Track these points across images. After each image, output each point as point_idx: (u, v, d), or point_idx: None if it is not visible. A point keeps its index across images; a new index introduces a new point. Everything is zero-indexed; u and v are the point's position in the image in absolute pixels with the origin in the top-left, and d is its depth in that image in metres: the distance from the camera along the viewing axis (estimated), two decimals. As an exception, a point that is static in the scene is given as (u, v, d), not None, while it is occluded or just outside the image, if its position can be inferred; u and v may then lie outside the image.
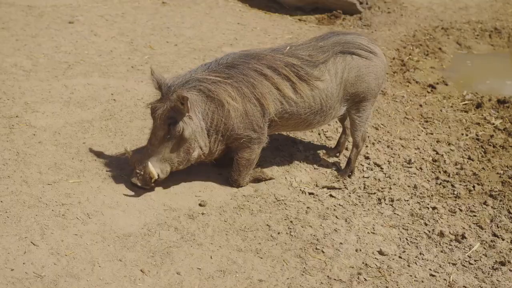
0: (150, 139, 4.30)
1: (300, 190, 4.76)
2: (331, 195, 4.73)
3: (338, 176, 5.03)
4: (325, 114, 4.77)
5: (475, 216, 4.60)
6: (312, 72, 4.57)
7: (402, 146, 5.58)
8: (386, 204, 4.68)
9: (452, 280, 3.86)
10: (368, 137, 5.67)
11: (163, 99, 4.28)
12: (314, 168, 5.10)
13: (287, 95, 4.50)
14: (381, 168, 5.18)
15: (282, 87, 4.48)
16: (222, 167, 4.84)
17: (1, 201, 4.15)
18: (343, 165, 5.17)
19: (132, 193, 4.39)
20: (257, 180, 4.77)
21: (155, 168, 4.22)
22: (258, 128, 4.52)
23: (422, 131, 5.93)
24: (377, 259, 4.02)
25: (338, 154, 5.33)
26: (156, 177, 4.23)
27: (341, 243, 4.13)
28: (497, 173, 5.24)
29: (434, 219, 4.51)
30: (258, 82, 4.43)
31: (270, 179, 4.82)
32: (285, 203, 4.54)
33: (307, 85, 4.55)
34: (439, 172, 5.20)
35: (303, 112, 4.64)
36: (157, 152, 4.25)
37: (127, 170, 4.66)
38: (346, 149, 5.41)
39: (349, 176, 5.06)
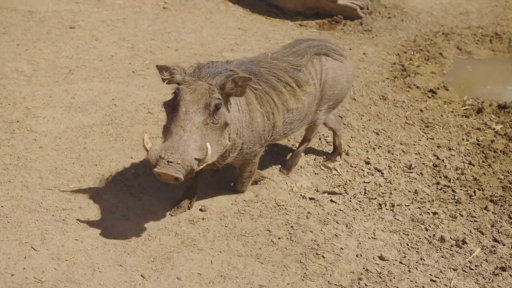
0: (183, 125, 3.54)
1: (301, 195, 4.76)
2: (331, 200, 4.73)
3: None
4: (306, 119, 4.67)
5: (475, 221, 4.59)
6: (302, 77, 4.46)
7: (403, 151, 5.58)
8: (386, 209, 4.67)
9: (453, 285, 3.85)
10: (369, 142, 5.67)
11: (200, 80, 3.74)
12: (315, 173, 5.10)
13: (290, 104, 4.34)
14: (382, 173, 5.18)
15: (287, 96, 4.31)
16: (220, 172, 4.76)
17: (2, 206, 4.15)
18: (343, 170, 5.17)
19: (132, 199, 4.39)
20: (255, 182, 4.75)
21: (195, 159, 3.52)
22: (264, 142, 4.36)
23: (423, 136, 5.93)
24: (378, 264, 4.01)
25: (339, 158, 5.32)
26: (199, 166, 3.55)
27: (341, 248, 4.13)
28: (498, 178, 5.24)
29: (434, 224, 4.50)
30: (272, 90, 4.23)
31: (265, 178, 4.82)
32: (285, 208, 4.54)
33: (302, 90, 4.44)
34: (440, 177, 5.20)
35: (294, 120, 4.51)
36: (194, 140, 3.54)
37: (127, 174, 4.66)
38: (347, 154, 5.41)
39: (340, 156, 5.32)
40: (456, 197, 4.89)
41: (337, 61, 4.78)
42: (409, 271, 3.97)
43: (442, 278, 3.92)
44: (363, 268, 3.96)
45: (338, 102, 4.95)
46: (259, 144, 4.28)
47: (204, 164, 3.55)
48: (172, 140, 3.50)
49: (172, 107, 3.68)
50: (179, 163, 3.40)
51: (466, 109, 6.65)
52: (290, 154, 5.28)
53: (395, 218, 4.56)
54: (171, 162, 3.40)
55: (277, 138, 4.54)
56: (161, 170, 3.39)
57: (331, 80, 4.70)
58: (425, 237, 4.35)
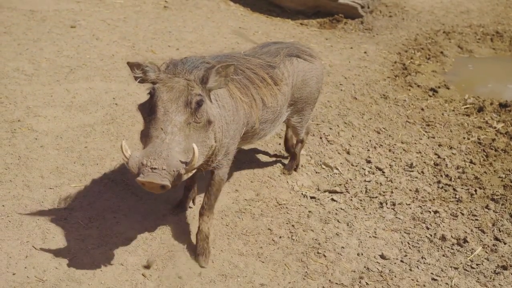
0: (163, 127, 3.18)
1: (302, 194, 4.76)
2: (332, 199, 4.73)
3: (284, 171, 5.03)
4: (277, 122, 4.46)
5: (477, 220, 4.59)
6: (277, 75, 4.24)
7: (404, 150, 5.58)
8: (387, 208, 4.67)
9: (454, 284, 3.85)
10: (370, 141, 5.67)
11: (177, 76, 3.40)
12: (316, 172, 5.10)
13: (268, 100, 4.13)
14: (383, 172, 5.18)
15: (264, 91, 4.08)
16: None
17: (3, 205, 4.15)
18: (344, 169, 5.17)
19: (134, 198, 4.39)
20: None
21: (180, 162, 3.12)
22: (238, 139, 3.98)
23: (424, 135, 5.93)
24: (379, 263, 4.01)
25: (292, 149, 5.16)
26: (187, 171, 3.16)
27: (342, 247, 4.13)
28: (499, 177, 5.24)
29: (436, 223, 4.50)
30: (250, 84, 4.00)
31: None
32: (286, 207, 4.54)
33: (277, 89, 4.22)
34: (441, 176, 5.20)
35: (268, 120, 4.28)
36: (178, 142, 3.16)
37: (129, 174, 4.66)
38: (348, 153, 5.41)
39: (295, 170, 5.06)
40: (457, 196, 4.89)
41: (308, 62, 4.59)
42: (410, 270, 3.97)
43: (443, 277, 3.92)
44: (364, 267, 3.96)
45: (307, 104, 4.69)
46: (235, 139, 3.91)
47: (193, 168, 3.16)
48: (153, 144, 3.11)
49: (149, 109, 3.31)
50: (164, 169, 3.02)
51: (467, 107, 6.65)
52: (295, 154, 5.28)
53: (396, 217, 4.56)
54: (155, 168, 3.02)
55: (247, 139, 4.24)
56: (145, 179, 3.01)
57: (301, 83, 4.51)
58: (426, 236, 4.35)
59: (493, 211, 4.72)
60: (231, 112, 3.75)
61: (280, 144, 5.44)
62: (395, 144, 5.66)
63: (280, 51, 4.42)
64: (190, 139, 3.24)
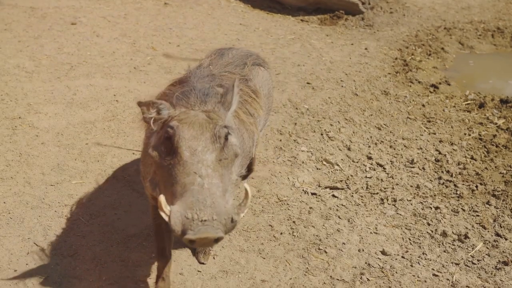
0: (196, 170, 2.66)
1: (303, 190, 4.76)
2: (333, 195, 4.73)
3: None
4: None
5: (478, 216, 4.59)
6: (254, 88, 3.93)
7: (405, 146, 5.58)
8: (388, 204, 4.67)
9: (455, 280, 3.85)
10: (371, 137, 5.67)
11: (193, 109, 2.97)
12: (317, 168, 5.10)
13: (260, 114, 3.86)
14: (384, 168, 5.17)
15: (254, 105, 3.77)
16: None
17: (4, 202, 4.16)
18: (345, 165, 5.17)
19: (134, 194, 4.40)
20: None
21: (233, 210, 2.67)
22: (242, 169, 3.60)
23: (425, 131, 5.92)
24: (380, 259, 4.02)
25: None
26: (241, 214, 2.76)
27: (343, 243, 4.13)
28: (500, 173, 5.23)
29: (437, 219, 4.50)
30: (243, 100, 3.66)
31: None
32: (287, 204, 4.54)
33: (260, 102, 3.91)
34: (442, 172, 5.19)
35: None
36: (217, 186, 2.67)
37: (129, 170, 4.67)
38: (349, 149, 5.41)
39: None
40: (458, 192, 4.89)
41: (266, 71, 4.35)
42: (411, 265, 3.97)
43: (444, 272, 3.92)
44: (365, 263, 3.97)
45: (268, 115, 4.43)
46: (244, 167, 3.60)
47: (246, 210, 2.78)
48: (192, 193, 2.59)
49: (167, 152, 2.80)
50: (215, 219, 2.56)
51: (468, 103, 6.64)
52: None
53: (397, 213, 4.56)
54: (205, 221, 2.54)
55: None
56: (197, 235, 2.51)
57: (267, 93, 4.27)
58: (427, 232, 4.35)
59: (494, 207, 4.72)
60: (240, 138, 3.36)
61: (281, 140, 5.44)
62: (396, 140, 5.66)
63: (246, 61, 4.08)
64: (224, 179, 2.78)
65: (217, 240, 2.56)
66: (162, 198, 2.62)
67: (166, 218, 2.58)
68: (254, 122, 3.71)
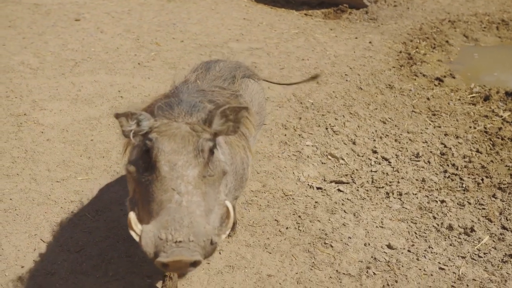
0: (175, 187, 2.41)
1: (308, 184, 4.75)
2: (339, 190, 4.73)
3: None
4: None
5: (484, 209, 4.58)
6: (247, 103, 3.67)
7: (410, 139, 5.57)
8: (394, 198, 4.67)
9: (462, 273, 3.85)
10: (376, 131, 5.66)
11: (175, 121, 2.68)
12: (322, 163, 5.09)
13: (253, 134, 3.62)
14: (389, 162, 5.17)
15: (247, 125, 3.49)
16: None
17: (11, 199, 4.17)
18: (350, 159, 5.17)
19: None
20: None
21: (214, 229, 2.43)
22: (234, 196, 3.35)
23: (430, 124, 5.91)
24: (386, 253, 4.01)
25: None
26: (221, 236, 2.46)
27: (349, 238, 4.13)
28: (506, 166, 5.22)
29: (442, 213, 4.49)
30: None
31: None
32: (293, 198, 4.54)
33: (252, 120, 3.61)
34: (447, 165, 5.18)
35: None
36: (197, 204, 2.40)
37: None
38: (354, 143, 5.40)
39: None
40: (464, 185, 4.88)
41: (257, 83, 4.08)
42: (417, 259, 3.96)
43: (451, 266, 3.92)
44: (371, 257, 3.96)
45: (260, 129, 4.20)
46: (240, 190, 3.37)
47: (227, 231, 2.51)
48: (167, 211, 2.33)
49: (145, 167, 2.55)
50: (192, 240, 2.29)
51: (473, 96, 6.62)
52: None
53: (403, 207, 4.55)
54: (180, 242, 2.28)
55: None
56: (170, 258, 2.25)
57: (258, 107, 4.01)
58: (433, 225, 4.35)
59: (500, 200, 4.70)
60: (229, 160, 3.07)
61: (285, 135, 5.43)
62: (401, 134, 5.64)
63: (234, 74, 3.81)
64: (208, 198, 2.51)
65: (194, 264, 2.29)
66: (131, 216, 2.38)
67: (137, 238, 2.35)
68: (247, 142, 3.45)
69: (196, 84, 3.49)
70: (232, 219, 2.53)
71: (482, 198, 4.70)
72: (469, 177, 5.00)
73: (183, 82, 3.54)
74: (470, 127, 5.90)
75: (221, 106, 2.68)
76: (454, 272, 3.86)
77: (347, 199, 4.61)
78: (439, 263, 3.94)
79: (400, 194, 4.70)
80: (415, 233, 4.25)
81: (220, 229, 2.48)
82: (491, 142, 5.60)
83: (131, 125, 2.63)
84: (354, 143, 5.42)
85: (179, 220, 2.29)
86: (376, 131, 5.67)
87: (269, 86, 6.36)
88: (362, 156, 5.24)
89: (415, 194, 4.72)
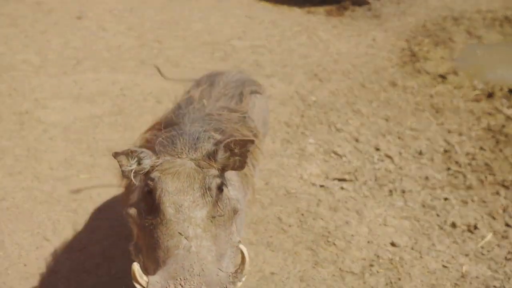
0: (182, 231, 2.19)
1: (311, 182, 4.74)
2: (342, 187, 4.72)
3: None
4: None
5: (487, 206, 4.57)
6: (253, 125, 3.41)
7: (413, 137, 5.55)
8: (397, 195, 4.66)
9: (465, 271, 3.84)
10: (379, 128, 5.65)
11: (179, 157, 2.48)
12: (325, 161, 5.08)
13: (260, 161, 3.48)
14: (392, 160, 5.15)
15: (254, 154, 3.28)
16: None
17: (13, 197, 4.17)
18: (353, 157, 5.16)
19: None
20: None
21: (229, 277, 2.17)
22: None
23: (433, 121, 5.89)
24: (389, 250, 4.00)
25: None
26: (238, 283, 2.20)
27: (352, 235, 4.12)
28: (510, 163, 5.20)
29: (446, 210, 4.48)
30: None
31: None
32: (296, 196, 4.53)
33: (260, 149, 3.46)
34: (451, 162, 5.17)
35: None
36: (208, 249, 2.18)
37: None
38: (356, 140, 5.39)
39: None
40: (467, 183, 4.87)
41: (262, 96, 3.88)
42: (420, 257, 3.95)
43: (454, 263, 3.91)
44: (375, 254, 3.95)
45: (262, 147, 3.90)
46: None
47: (243, 278, 2.20)
48: (175, 259, 2.11)
49: (148, 209, 2.34)
50: None
51: (476, 94, 6.60)
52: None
53: (406, 205, 4.54)
54: None
55: None
56: None
57: (262, 124, 3.80)
58: (437, 223, 4.33)
59: (504, 197, 4.69)
60: (241, 193, 2.90)
61: (288, 133, 5.42)
62: (404, 132, 5.63)
63: (242, 91, 3.59)
64: (219, 241, 2.29)
65: None
66: (135, 267, 2.13)
67: None
68: (251, 175, 3.23)
69: (201, 104, 3.24)
70: (248, 264, 2.25)
71: (485, 196, 4.69)
72: (472, 175, 4.98)
73: (187, 101, 3.32)
74: (474, 124, 5.88)
75: (225, 139, 2.46)
76: (457, 270, 3.85)
77: (350, 197, 4.60)
78: (442, 260, 3.93)
79: (403, 192, 4.69)
80: (419, 230, 4.24)
81: (235, 276, 2.18)
82: (495, 139, 5.58)
83: (132, 164, 2.45)
84: (357, 140, 5.41)
85: (188, 268, 2.08)
86: (379, 128, 5.66)
87: (272, 84, 6.35)
88: (365, 154, 5.23)
89: (418, 191, 4.71)
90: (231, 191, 2.55)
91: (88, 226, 3.96)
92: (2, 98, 5.61)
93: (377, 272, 3.79)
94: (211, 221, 2.27)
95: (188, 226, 2.20)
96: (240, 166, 2.49)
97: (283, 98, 6.08)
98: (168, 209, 2.24)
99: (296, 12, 9.31)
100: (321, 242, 4.03)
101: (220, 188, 2.37)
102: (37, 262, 3.60)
